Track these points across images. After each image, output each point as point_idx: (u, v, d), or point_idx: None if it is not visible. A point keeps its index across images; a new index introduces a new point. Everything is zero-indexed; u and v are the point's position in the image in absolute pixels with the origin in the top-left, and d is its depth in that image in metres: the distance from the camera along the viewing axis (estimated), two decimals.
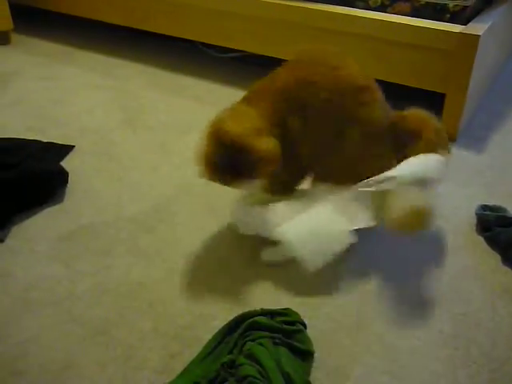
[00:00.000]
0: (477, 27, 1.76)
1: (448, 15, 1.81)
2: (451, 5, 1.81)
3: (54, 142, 1.80)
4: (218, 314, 1.15)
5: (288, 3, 2.02)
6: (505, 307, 1.18)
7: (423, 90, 1.93)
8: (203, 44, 2.55)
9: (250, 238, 1.33)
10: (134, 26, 2.56)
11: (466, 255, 1.34)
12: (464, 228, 1.44)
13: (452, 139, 1.90)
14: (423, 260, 1.33)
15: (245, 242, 1.36)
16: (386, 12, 1.91)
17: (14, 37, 2.78)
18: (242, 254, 1.33)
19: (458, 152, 1.83)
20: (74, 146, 1.79)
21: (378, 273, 1.28)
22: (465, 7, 1.79)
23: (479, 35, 1.69)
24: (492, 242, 1.36)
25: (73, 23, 3.00)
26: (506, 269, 1.29)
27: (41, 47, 2.72)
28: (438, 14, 1.83)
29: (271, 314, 1.09)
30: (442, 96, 1.87)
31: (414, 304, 1.19)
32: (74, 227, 1.41)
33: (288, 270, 1.27)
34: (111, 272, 1.27)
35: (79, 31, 2.94)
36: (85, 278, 1.25)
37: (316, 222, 1.20)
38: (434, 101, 2.04)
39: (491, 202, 1.50)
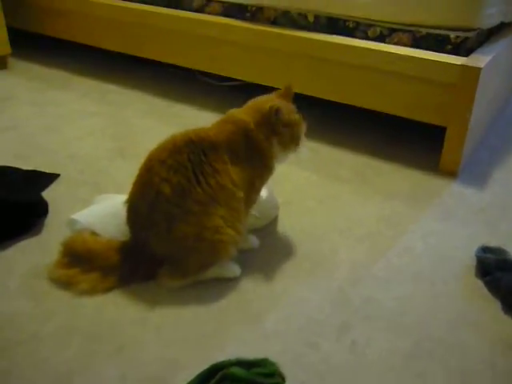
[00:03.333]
0: (479, 59, 1.70)
1: (449, 46, 1.75)
2: (453, 36, 1.75)
3: (40, 170, 1.74)
4: (191, 362, 1.06)
5: (285, 32, 1.98)
6: (506, 364, 1.08)
7: (424, 123, 1.86)
8: (201, 72, 2.51)
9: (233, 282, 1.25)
10: (131, 53, 2.52)
11: (463, 301, 1.25)
12: (463, 271, 1.35)
13: (453, 175, 1.82)
14: (417, 305, 1.23)
15: (229, 286, 1.28)
16: (384, 42, 1.86)
17: (12, 61, 2.76)
18: (223, 299, 1.25)
19: (458, 189, 1.75)
20: (59, 175, 1.73)
21: (365, 321, 1.19)
22: (466, 38, 1.73)
23: (481, 67, 1.63)
24: (492, 287, 1.27)
25: (71, 48, 2.98)
26: (507, 318, 1.19)
27: (37, 72, 2.69)
28: (439, 45, 1.77)
29: (247, 364, 1.00)
30: (443, 130, 1.79)
31: (406, 356, 1.09)
32: (48, 261, 1.33)
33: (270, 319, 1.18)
34: (82, 311, 1.19)
35: (77, 56, 2.92)
36: (54, 316, 1.17)
37: None
38: (434, 135, 1.98)
39: (492, 243, 1.42)
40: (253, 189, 1.30)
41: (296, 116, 1.33)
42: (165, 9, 2.33)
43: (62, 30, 2.74)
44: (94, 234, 1.34)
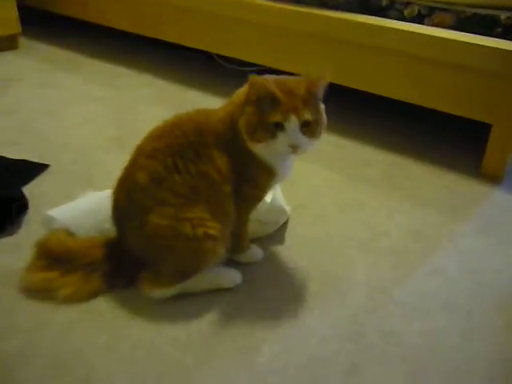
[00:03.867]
0: None
1: (499, 29, 1.49)
2: (503, 16, 1.49)
3: (29, 159, 1.57)
4: None
5: (312, 12, 1.75)
6: None
7: (465, 118, 1.61)
8: (219, 56, 2.30)
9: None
10: (145, 34, 2.34)
11: (505, 339, 1.02)
12: (505, 299, 1.12)
13: (496, 181, 1.56)
14: (448, 342, 1.01)
15: (220, 305, 1.08)
16: (423, 24, 1.61)
17: (22, 41, 2.62)
18: (211, 322, 1.05)
19: (502, 197, 1.49)
20: (48, 165, 1.56)
21: (381, 363, 0.97)
22: None
23: None
24: None
25: (83, 29, 2.82)
26: None
27: (47, 53, 2.54)
28: (486, 27, 1.51)
29: None
30: (487, 127, 1.54)
31: None
32: (22, 266, 1.16)
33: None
34: (49, 329, 1.01)
35: (89, 38, 2.76)
36: (18, 334, 1.00)
37: None
38: (476, 133, 1.73)
39: None
40: (250, 185, 1.10)
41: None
42: None
43: (75, 9, 2.58)
44: (70, 232, 1.17)
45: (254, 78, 0.98)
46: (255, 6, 1.88)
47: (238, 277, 1.15)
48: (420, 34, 1.55)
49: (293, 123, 0.98)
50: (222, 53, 2.14)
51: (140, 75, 2.29)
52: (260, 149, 1.04)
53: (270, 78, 1.02)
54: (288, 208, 1.35)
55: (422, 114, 1.91)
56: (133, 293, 1.11)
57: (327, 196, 1.48)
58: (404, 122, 1.93)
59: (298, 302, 1.11)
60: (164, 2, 2.19)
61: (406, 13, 1.64)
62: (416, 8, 1.62)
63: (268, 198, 1.26)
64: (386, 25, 1.62)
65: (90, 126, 1.83)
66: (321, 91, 1.02)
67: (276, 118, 0.98)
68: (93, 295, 1.10)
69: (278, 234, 1.32)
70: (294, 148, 1.00)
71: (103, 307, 1.08)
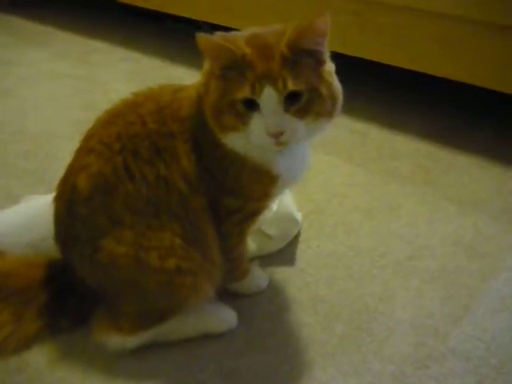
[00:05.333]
0: None
1: None
2: None
3: None
4: None
5: None
6: None
7: None
8: (209, 25, 1.96)
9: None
10: (125, 1, 1.99)
11: None
12: None
13: None
14: None
15: (205, 357, 0.76)
16: None
17: None
18: None
19: None
20: None
21: None
22: None
23: None
24: None
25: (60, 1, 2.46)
26: None
27: (8, 23, 2.18)
28: None
29: None
30: None
31: None
32: None
33: None
34: None
35: (60, 7, 2.39)
36: None
37: None
38: None
39: None
40: (235, 197, 0.77)
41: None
42: None
43: None
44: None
45: (201, 37, 0.64)
46: None
47: (232, 318, 0.83)
48: None
49: (269, 98, 0.65)
50: (212, 22, 1.80)
51: (116, 49, 1.94)
52: (234, 141, 0.71)
53: (237, 33, 0.69)
54: (299, 215, 1.02)
55: (459, 92, 1.57)
56: (83, 338, 0.79)
57: (349, 198, 1.15)
58: (437, 103, 1.58)
59: (316, 352, 0.79)
60: None
61: None
62: None
63: (277, 201, 0.94)
64: None
65: (51, 109, 1.50)
66: (318, 42, 0.67)
67: (243, 92, 0.65)
68: (26, 343, 0.79)
69: (287, 251, 1.00)
70: (275, 136, 0.66)
71: (40, 363, 0.76)
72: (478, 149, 1.33)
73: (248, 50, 0.65)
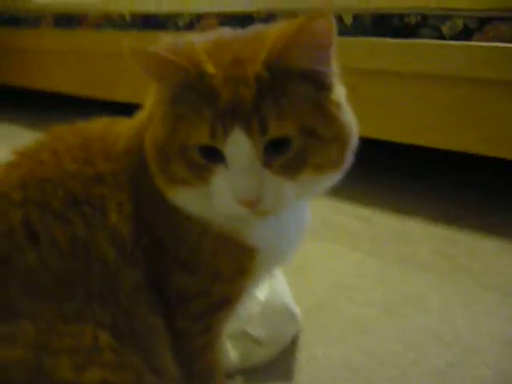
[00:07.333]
0: None
1: None
2: None
3: None
4: None
5: None
6: None
7: None
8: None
9: None
10: None
11: None
12: None
13: None
14: None
15: None
16: (471, 41, 1.14)
17: None
18: None
19: None
20: None
21: None
22: None
23: None
24: None
25: None
26: None
27: None
28: None
29: None
30: None
31: None
32: None
33: None
34: None
35: None
36: None
37: None
38: None
39: None
40: (193, 273, 0.53)
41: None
42: None
43: None
44: None
45: (135, 50, 0.44)
46: None
47: None
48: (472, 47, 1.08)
49: (239, 147, 0.44)
50: None
51: None
52: (187, 200, 0.49)
53: (197, 38, 0.48)
54: (298, 312, 0.76)
55: (477, 168, 1.38)
56: None
57: (360, 291, 0.90)
58: (446, 181, 1.38)
59: None
60: None
61: (444, 29, 1.18)
62: (459, 22, 1.16)
63: (260, 292, 0.69)
64: (419, 43, 1.15)
65: None
66: (318, 57, 0.46)
67: (199, 135, 0.44)
68: None
69: (282, 361, 0.73)
70: (249, 204, 0.44)
71: None
72: (502, 231, 1.11)
73: (209, 68, 0.44)
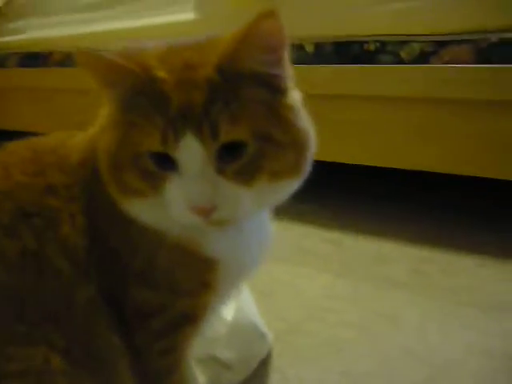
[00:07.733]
0: None
1: None
2: None
3: None
4: None
5: None
6: None
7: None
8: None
9: None
10: None
11: None
12: None
13: None
14: None
15: None
16: (429, 64, 1.17)
17: None
18: None
19: None
20: None
21: None
22: None
23: None
24: None
25: None
26: None
27: None
28: None
29: None
30: None
31: None
32: None
33: None
34: None
35: None
36: None
37: None
38: None
39: None
40: (147, 287, 0.50)
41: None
42: None
43: None
44: None
45: (83, 54, 0.43)
46: None
47: None
48: (432, 70, 1.10)
49: (191, 152, 0.42)
50: None
51: None
52: (141, 211, 0.47)
53: (148, 45, 0.47)
54: (267, 332, 0.73)
55: (446, 185, 1.38)
56: None
57: (332, 311, 0.87)
58: (423, 201, 1.37)
59: None
60: None
61: (403, 54, 1.20)
62: (416, 47, 1.19)
63: (227, 311, 0.66)
64: (380, 69, 1.17)
65: None
66: (270, 59, 0.45)
67: (150, 141, 0.43)
68: None
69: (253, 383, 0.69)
70: (203, 212, 0.43)
71: None
72: (479, 248, 1.10)
73: (160, 73, 0.43)
